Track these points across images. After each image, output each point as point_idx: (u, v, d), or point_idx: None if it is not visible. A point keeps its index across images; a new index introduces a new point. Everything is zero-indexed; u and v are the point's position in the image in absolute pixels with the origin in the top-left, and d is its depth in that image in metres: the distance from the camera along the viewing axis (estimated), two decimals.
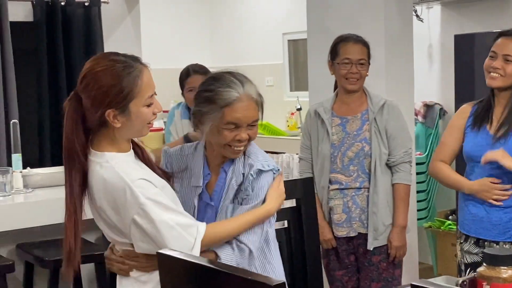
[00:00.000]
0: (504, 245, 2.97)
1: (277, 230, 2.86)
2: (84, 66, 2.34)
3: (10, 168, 4.00)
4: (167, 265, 2.03)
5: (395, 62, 4.16)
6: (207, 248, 2.44)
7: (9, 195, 3.87)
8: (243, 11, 7.93)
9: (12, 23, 5.62)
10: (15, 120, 4.55)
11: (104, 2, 5.99)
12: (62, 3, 5.80)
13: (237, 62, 7.67)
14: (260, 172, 2.49)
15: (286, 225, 3.00)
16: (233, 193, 2.51)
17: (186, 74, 4.23)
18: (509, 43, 2.99)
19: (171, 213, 2.35)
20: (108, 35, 6.11)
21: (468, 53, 4.86)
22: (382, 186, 3.42)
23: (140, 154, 2.51)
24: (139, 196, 2.27)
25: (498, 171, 2.96)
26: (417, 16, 5.40)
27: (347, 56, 3.41)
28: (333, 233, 3.51)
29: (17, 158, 4.00)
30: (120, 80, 2.28)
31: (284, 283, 1.49)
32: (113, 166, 2.31)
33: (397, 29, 4.15)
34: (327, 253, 3.52)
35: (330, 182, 3.48)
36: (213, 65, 7.81)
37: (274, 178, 2.57)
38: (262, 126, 6.66)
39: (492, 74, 2.99)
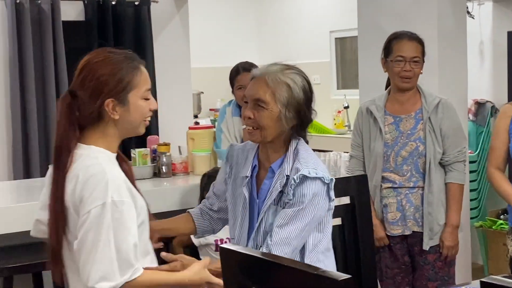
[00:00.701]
0: None
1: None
2: (80, 61, 2.35)
3: None
4: (228, 259, 1.96)
5: (448, 60, 4.13)
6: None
7: None
8: (291, 9, 7.93)
9: (64, 22, 5.71)
10: None
11: (154, 1, 6.05)
12: (113, 3, 5.88)
13: (284, 60, 7.85)
14: (304, 178, 2.44)
15: (340, 223, 2.97)
16: (276, 194, 2.49)
17: (236, 72, 4.23)
18: None
19: (121, 236, 2.26)
20: (157, 34, 6.17)
21: None
22: (437, 186, 3.40)
23: (127, 170, 2.48)
24: (108, 192, 2.23)
25: None
26: (468, 12, 5.18)
27: (401, 53, 3.39)
28: (385, 231, 3.51)
29: None
30: (120, 69, 2.30)
31: (351, 278, 1.46)
32: (97, 157, 2.30)
33: (451, 25, 4.12)
34: (378, 251, 3.48)
35: (383, 180, 3.47)
36: (260, 64, 7.95)
37: (325, 187, 2.53)
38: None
39: None
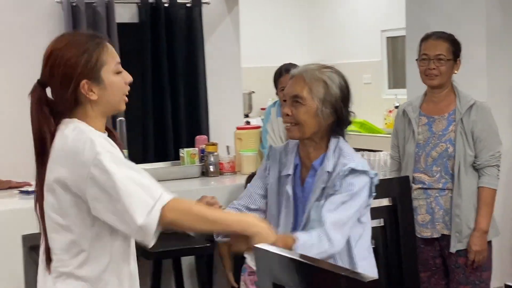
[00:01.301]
0: None
1: (373, 228, 2.85)
2: (45, 51, 2.30)
3: None
4: (263, 259, 1.99)
5: (497, 61, 4.08)
6: (169, 222, 2.24)
7: None
8: (342, 8, 8.00)
9: (118, 24, 5.75)
10: (121, 118, 4.70)
11: (205, 2, 6.06)
12: (166, 5, 5.90)
13: (335, 60, 7.57)
14: (352, 171, 2.47)
15: (382, 224, 2.99)
16: (319, 191, 2.51)
17: (279, 74, 4.25)
18: None
19: (134, 172, 2.23)
20: (209, 35, 6.17)
21: None
22: (467, 189, 3.38)
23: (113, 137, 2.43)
24: (97, 147, 2.19)
25: None
26: None
27: (425, 52, 3.41)
28: (416, 233, 3.45)
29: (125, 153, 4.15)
30: (86, 49, 2.26)
31: (377, 280, 1.47)
32: (79, 126, 2.26)
33: (499, 25, 4.08)
34: None
35: (414, 181, 3.46)
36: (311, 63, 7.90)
37: (369, 181, 2.54)
38: (359, 124, 6.71)
39: None
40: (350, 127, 2.86)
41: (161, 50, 5.98)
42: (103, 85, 2.23)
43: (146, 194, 2.16)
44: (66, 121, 2.25)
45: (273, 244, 2.20)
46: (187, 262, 4.07)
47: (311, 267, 1.79)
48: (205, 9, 6.09)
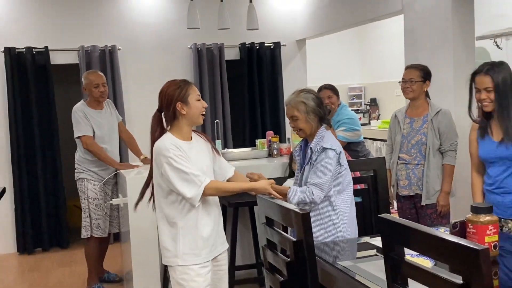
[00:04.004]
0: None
1: (359, 190, 3.02)
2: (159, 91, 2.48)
3: None
4: (261, 202, 2.24)
5: (461, 82, 3.64)
6: (208, 194, 2.40)
7: None
8: (380, 43, 7.37)
9: (226, 61, 5.96)
10: (217, 120, 5.19)
11: (283, 45, 6.22)
12: (257, 47, 6.09)
13: (375, 80, 7.37)
14: (323, 149, 2.55)
15: (366, 187, 3.06)
16: (308, 159, 2.61)
17: (319, 90, 4.18)
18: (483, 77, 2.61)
19: (184, 166, 2.34)
20: (285, 66, 6.28)
21: None
22: (433, 165, 3.35)
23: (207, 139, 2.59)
24: (170, 152, 2.34)
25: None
26: (497, 46, 5.13)
27: (403, 76, 3.44)
28: (397, 193, 3.50)
29: (218, 142, 4.46)
30: (180, 85, 2.44)
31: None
32: (165, 138, 2.42)
33: (463, 57, 3.85)
34: (394, 206, 3.60)
35: (399, 159, 3.47)
36: (363, 81, 7.72)
37: (336, 156, 2.54)
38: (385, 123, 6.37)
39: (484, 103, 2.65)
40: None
41: (254, 76, 6.10)
42: (189, 105, 2.44)
43: (196, 179, 2.34)
44: (164, 132, 2.48)
45: (272, 192, 2.46)
46: (257, 209, 3.93)
47: (279, 206, 2.07)
48: (283, 49, 6.21)
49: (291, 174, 3.73)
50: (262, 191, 2.48)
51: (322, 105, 2.67)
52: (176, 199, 2.43)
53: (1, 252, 5.25)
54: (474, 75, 2.69)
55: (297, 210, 1.92)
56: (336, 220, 2.56)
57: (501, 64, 2.65)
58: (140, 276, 3.65)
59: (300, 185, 2.65)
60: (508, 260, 2.10)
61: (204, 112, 2.51)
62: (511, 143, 2.60)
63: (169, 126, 2.49)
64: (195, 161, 2.44)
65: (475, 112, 2.84)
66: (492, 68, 2.62)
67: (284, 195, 2.53)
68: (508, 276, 1.93)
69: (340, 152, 2.57)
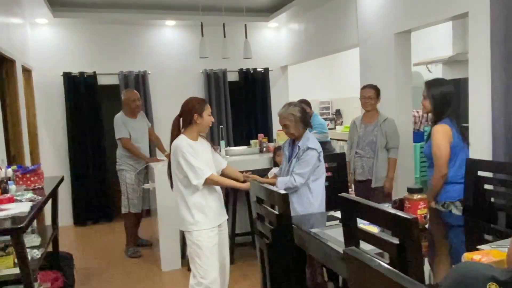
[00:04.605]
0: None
1: (327, 177, 2.85)
2: (183, 103, 2.41)
3: (219, 146, 4.20)
4: (253, 187, 2.12)
5: (403, 97, 3.79)
6: (207, 183, 2.36)
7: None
8: (345, 63, 6.78)
9: (229, 82, 5.89)
10: (221, 126, 5.17)
11: (271, 70, 6.12)
12: (251, 71, 5.97)
13: (339, 95, 7.15)
14: (308, 148, 2.51)
15: (331, 174, 3.05)
16: (296, 154, 2.56)
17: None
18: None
19: (198, 162, 2.34)
20: (272, 86, 6.19)
21: None
22: (381, 158, 3.35)
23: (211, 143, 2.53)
24: (184, 148, 2.32)
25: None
26: (428, 70, 5.16)
27: (363, 94, 3.42)
28: (354, 179, 3.48)
29: (223, 142, 4.30)
30: (198, 102, 2.41)
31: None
32: (181, 138, 2.40)
33: (403, 78, 3.81)
34: (352, 188, 3.49)
35: (356, 154, 3.45)
36: (330, 97, 7.51)
37: (317, 154, 2.47)
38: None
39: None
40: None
41: (249, 93, 6.01)
42: (203, 118, 2.44)
43: (200, 172, 2.34)
44: (180, 134, 2.45)
45: (263, 182, 2.33)
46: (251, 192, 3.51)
47: (266, 189, 2.03)
48: (271, 73, 6.14)
49: (275, 165, 3.69)
50: (245, 189, 2.51)
51: (306, 114, 2.61)
52: (188, 183, 2.40)
53: (62, 224, 5.23)
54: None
55: (279, 192, 1.90)
56: (312, 199, 2.54)
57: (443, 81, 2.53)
58: (165, 240, 3.64)
59: (287, 173, 2.59)
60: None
61: (210, 125, 2.47)
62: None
63: (183, 129, 2.45)
64: (201, 155, 2.42)
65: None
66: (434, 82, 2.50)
67: (272, 184, 2.47)
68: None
69: (320, 151, 2.52)
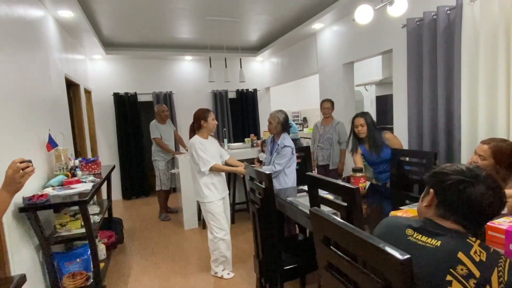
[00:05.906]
0: None
1: (298, 163, 2.89)
2: (194, 113, 2.29)
3: (223, 143, 4.11)
4: (248, 170, 1.98)
5: (348, 108, 3.65)
6: (212, 170, 2.26)
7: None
8: (313, 82, 6.39)
9: (230, 99, 5.55)
10: (225, 129, 5.00)
11: (258, 90, 5.77)
12: (245, 91, 5.61)
13: (308, 106, 6.88)
14: (284, 145, 2.40)
15: (300, 160, 2.96)
16: (275, 149, 2.46)
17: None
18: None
19: (206, 155, 2.26)
20: (259, 101, 5.84)
21: None
22: (335, 149, 3.31)
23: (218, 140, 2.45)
24: (196, 144, 2.25)
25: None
26: (366, 89, 4.95)
27: (322, 105, 3.34)
28: (317, 164, 3.40)
29: (226, 140, 4.17)
30: (204, 111, 2.33)
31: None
32: (194, 137, 2.31)
33: (348, 95, 3.64)
34: (315, 171, 3.38)
35: (318, 146, 3.39)
36: (299, 109, 7.25)
37: (291, 149, 2.36)
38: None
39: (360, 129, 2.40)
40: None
41: (243, 107, 5.65)
42: (208, 122, 2.34)
43: (208, 162, 2.27)
44: (195, 135, 2.38)
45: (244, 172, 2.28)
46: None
47: (256, 171, 1.95)
48: (258, 92, 5.79)
49: (262, 152, 3.47)
50: (241, 172, 2.39)
51: (287, 123, 2.49)
52: (199, 169, 2.34)
53: (114, 198, 5.10)
54: (354, 118, 2.48)
55: (265, 172, 1.84)
56: (287, 180, 2.46)
57: (367, 112, 2.50)
58: (186, 209, 3.58)
59: (269, 163, 2.49)
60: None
61: (215, 126, 2.39)
62: (376, 154, 2.46)
63: (197, 131, 2.40)
64: (210, 150, 2.36)
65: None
66: (363, 114, 2.48)
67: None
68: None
69: (293, 147, 2.45)
